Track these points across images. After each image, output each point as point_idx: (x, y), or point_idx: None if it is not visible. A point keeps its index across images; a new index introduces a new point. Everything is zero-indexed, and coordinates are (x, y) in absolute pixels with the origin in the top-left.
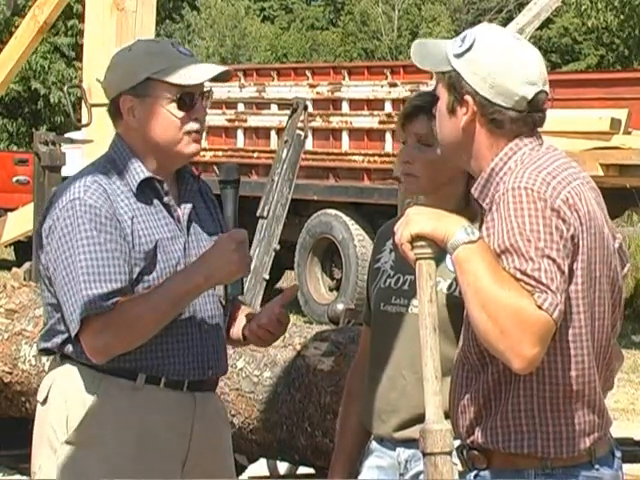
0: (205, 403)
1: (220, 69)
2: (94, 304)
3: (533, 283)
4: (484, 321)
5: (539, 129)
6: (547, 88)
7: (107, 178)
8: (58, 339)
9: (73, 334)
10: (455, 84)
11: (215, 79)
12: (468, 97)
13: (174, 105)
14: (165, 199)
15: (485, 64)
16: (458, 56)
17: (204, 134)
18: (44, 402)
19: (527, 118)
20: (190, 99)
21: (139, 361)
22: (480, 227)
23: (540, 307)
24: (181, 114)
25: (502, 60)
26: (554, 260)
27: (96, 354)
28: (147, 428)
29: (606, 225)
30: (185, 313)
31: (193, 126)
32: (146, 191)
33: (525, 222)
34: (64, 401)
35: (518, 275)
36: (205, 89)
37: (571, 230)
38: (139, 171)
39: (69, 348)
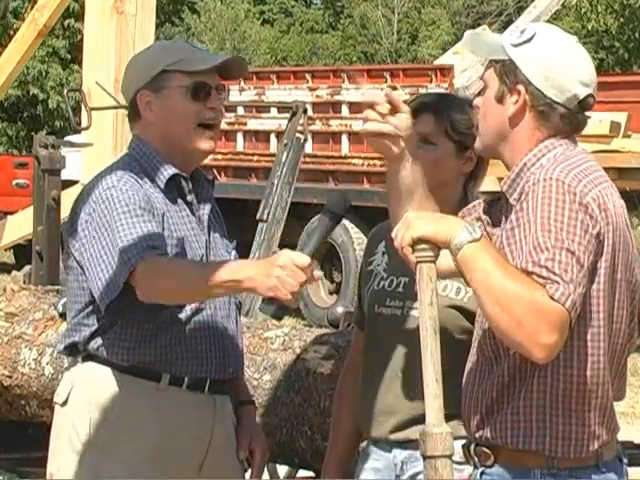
0: (224, 407)
1: (233, 56)
2: (136, 255)
3: (545, 274)
4: (498, 315)
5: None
6: (595, 94)
7: (136, 175)
8: (86, 333)
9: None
10: (508, 73)
11: (232, 75)
12: (520, 86)
13: (189, 95)
14: (188, 197)
15: (543, 56)
16: (516, 46)
17: None
18: (64, 403)
19: (573, 118)
20: (205, 89)
21: (163, 356)
22: (505, 219)
23: (552, 297)
24: (196, 104)
25: (560, 55)
26: (573, 252)
27: (145, 291)
28: (168, 430)
29: (629, 231)
30: (206, 310)
31: (208, 114)
32: (172, 189)
33: (551, 211)
34: (87, 403)
35: (530, 267)
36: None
37: (597, 227)
38: (166, 167)
39: (96, 342)
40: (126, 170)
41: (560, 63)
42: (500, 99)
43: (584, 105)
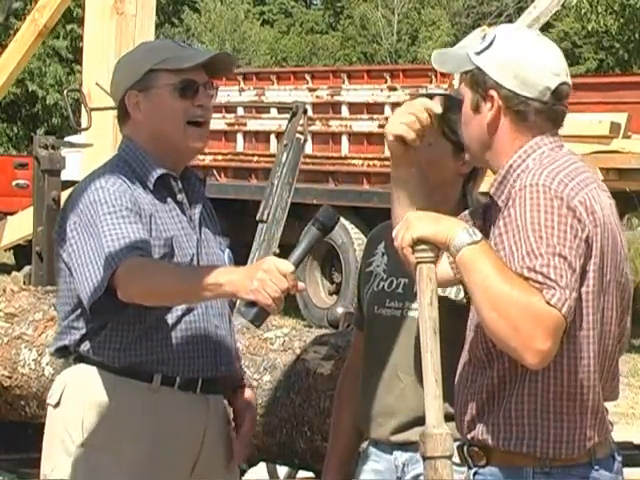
0: (217, 406)
1: (219, 52)
2: (119, 256)
3: (541, 279)
4: (494, 319)
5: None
6: (569, 80)
7: (125, 176)
8: (76, 335)
9: (104, 285)
10: (478, 81)
11: (220, 72)
12: (492, 92)
13: (177, 93)
14: (178, 197)
15: (508, 56)
16: (479, 53)
17: None
18: (57, 405)
19: (550, 111)
20: (192, 86)
21: (153, 356)
22: (493, 224)
23: (549, 303)
24: (184, 101)
25: (524, 51)
26: (565, 258)
27: (126, 290)
28: (161, 430)
29: (618, 231)
30: (197, 309)
31: (196, 112)
32: (161, 189)
33: (540, 217)
34: (80, 404)
35: (525, 273)
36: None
37: (586, 231)
38: (155, 168)
39: (86, 345)
40: (115, 172)
41: (525, 58)
42: (476, 108)
43: (559, 95)
